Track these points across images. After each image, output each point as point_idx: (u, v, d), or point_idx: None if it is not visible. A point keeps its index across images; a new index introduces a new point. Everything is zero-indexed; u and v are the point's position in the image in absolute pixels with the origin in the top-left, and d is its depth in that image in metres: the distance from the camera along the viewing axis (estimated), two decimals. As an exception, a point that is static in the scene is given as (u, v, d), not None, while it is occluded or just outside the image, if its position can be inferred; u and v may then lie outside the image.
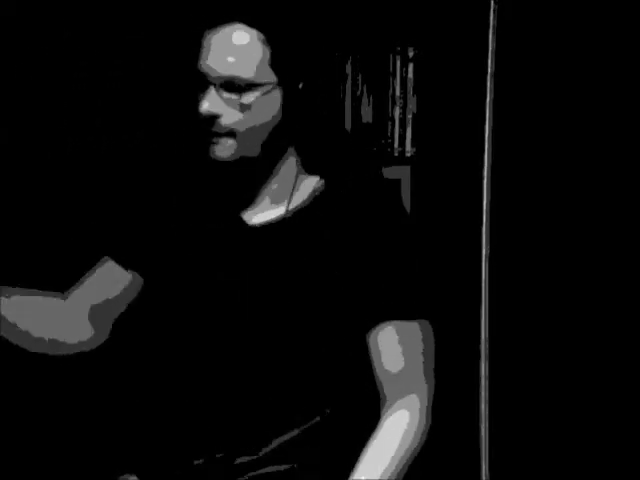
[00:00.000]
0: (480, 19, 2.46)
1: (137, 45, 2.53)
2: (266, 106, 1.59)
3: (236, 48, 1.57)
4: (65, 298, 1.79)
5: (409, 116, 2.64)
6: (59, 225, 2.57)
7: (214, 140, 1.61)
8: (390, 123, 2.65)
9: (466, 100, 2.53)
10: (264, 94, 1.58)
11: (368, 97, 2.67)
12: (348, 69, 2.68)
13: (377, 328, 1.61)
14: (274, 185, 1.67)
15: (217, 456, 1.63)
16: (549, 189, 2.47)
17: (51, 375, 2.53)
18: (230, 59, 1.57)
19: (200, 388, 1.68)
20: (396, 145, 2.65)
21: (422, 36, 2.60)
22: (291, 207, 1.66)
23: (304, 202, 1.66)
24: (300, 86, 1.60)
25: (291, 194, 1.66)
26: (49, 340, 1.74)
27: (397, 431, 1.61)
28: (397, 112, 2.64)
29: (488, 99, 2.49)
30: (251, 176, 1.67)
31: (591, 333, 2.44)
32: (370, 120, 2.67)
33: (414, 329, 1.63)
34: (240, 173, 1.66)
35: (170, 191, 1.77)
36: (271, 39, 1.57)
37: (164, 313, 1.76)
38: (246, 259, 1.65)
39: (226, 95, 1.58)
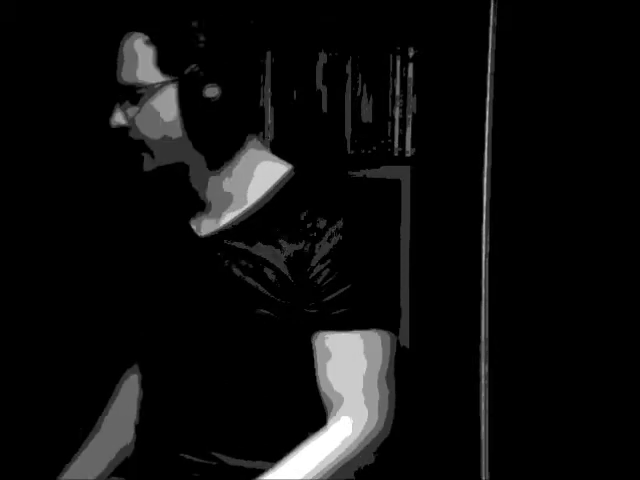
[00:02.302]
0: (480, 19, 2.47)
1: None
2: (161, 107, 1.56)
3: (125, 56, 1.56)
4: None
5: (409, 116, 2.64)
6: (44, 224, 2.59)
7: (137, 154, 1.60)
8: (390, 123, 2.65)
9: (466, 100, 2.53)
10: (153, 95, 1.55)
11: (368, 97, 2.67)
12: (348, 69, 2.68)
13: (319, 337, 1.57)
14: (223, 191, 1.63)
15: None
16: (549, 189, 2.47)
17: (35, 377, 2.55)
18: (122, 67, 1.56)
19: (156, 394, 1.67)
20: (396, 145, 2.65)
21: (422, 36, 2.60)
22: (238, 214, 1.62)
23: (254, 206, 1.62)
24: (197, 83, 1.54)
25: (232, 201, 1.62)
26: None
27: (317, 450, 1.54)
28: (397, 112, 2.64)
29: (488, 99, 2.49)
30: (192, 184, 1.63)
31: (591, 332, 2.44)
32: (370, 120, 2.67)
33: (354, 340, 1.56)
34: (179, 182, 1.63)
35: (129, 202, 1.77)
36: (153, 39, 1.54)
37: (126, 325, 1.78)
38: (195, 272, 1.62)
39: (127, 105, 1.57)
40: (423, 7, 2.57)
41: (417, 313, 2.64)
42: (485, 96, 2.49)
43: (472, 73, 2.50)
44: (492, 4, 2.45)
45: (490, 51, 2.46)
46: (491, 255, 2.51)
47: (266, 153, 1.66)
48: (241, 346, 1.59)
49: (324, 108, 2.69)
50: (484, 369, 2.52)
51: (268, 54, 2.71)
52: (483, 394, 2.52)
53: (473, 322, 2.53)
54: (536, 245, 2.49)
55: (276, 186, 1.62)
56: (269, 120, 2.73)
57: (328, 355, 1.56)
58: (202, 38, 1.54)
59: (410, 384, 2.63)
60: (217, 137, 1.59)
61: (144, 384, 1.72)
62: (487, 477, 2.53)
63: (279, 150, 1.69)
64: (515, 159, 2.50)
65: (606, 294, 2.42)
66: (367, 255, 1.59)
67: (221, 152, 1.61)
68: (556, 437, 2.46)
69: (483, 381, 2.52)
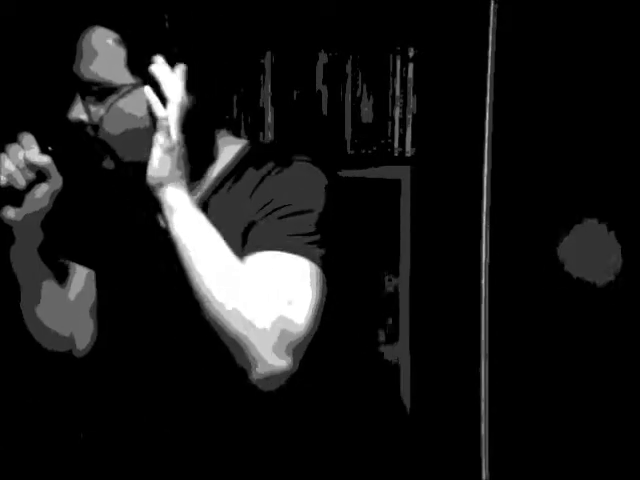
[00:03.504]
0: (480, 19, 2.47)
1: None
2: (130, 108, 1.53)
3: (91, 52, 1.53)
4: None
5: (409, 116, 2.64)
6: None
7: (95, 151, 1.57)
8: (390, 123, 2.66)
9: (466, 100, 2.53)
10: (124, 96, 1.53)
11: (368, 97, 2.67)
12: (348, 69, 2.68)
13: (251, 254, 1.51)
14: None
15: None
16: (549, 189, 2.47)
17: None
18: (87, 63, 1.53)
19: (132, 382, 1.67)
20: (396, 145, 2.65)
21: (422, 36, 2.60)
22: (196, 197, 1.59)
23: (211, 186, 1.60)
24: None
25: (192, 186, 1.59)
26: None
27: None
28: (397, 112, 2.65)
29: (488, 99, 2.50)
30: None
31: (590, 332, 2.44)
32: (370, 120, 2.67)
33: (284, 257, 1.48)
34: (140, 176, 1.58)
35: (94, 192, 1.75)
36: (125, 39, 1.51)
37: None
38: (158, 260, 1.60)
39: (90, 102, 1.54)
40: (423, 7, 2.57)
41: (417, 312, 2.64)
42: (485, 96, 2.49)
43: (472, 73, 2.50)
44: (492, 4, 2.46)
45: (490, 51, 2.46)
46: (491, 256, 2.51)
47: (225, 134, 1.64)
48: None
49: (324, 108, 2.70)
50: (484, 369, 2.52)
51: (268, 54, 2.71)
52: (483, 394, 2.52)
53: (473, 322, 2.53)
54: (536, 244, 2.49)
55: (232, 162, 1.61)
56: (269, 120, 2.73)
57: (257, 265, 1.49)
58: (176, 40, 1.52)
59: (410, 383, 2.64)
60: (189, 136, 1.55)
61: (114, 375, 1.71)
62: (487, 477, 2.53)
63: (279, 150, 1.68)
64: (515, 159, 2.50)
65: (605, 293, 2.43)
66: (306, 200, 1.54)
67: (194, 151, 1.59)
68: (556, 437, 2.47)
69: (483, 381, 2.52)
